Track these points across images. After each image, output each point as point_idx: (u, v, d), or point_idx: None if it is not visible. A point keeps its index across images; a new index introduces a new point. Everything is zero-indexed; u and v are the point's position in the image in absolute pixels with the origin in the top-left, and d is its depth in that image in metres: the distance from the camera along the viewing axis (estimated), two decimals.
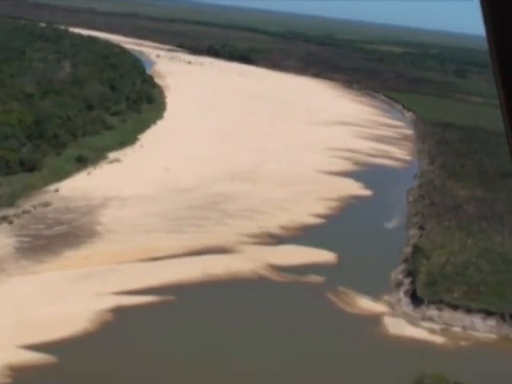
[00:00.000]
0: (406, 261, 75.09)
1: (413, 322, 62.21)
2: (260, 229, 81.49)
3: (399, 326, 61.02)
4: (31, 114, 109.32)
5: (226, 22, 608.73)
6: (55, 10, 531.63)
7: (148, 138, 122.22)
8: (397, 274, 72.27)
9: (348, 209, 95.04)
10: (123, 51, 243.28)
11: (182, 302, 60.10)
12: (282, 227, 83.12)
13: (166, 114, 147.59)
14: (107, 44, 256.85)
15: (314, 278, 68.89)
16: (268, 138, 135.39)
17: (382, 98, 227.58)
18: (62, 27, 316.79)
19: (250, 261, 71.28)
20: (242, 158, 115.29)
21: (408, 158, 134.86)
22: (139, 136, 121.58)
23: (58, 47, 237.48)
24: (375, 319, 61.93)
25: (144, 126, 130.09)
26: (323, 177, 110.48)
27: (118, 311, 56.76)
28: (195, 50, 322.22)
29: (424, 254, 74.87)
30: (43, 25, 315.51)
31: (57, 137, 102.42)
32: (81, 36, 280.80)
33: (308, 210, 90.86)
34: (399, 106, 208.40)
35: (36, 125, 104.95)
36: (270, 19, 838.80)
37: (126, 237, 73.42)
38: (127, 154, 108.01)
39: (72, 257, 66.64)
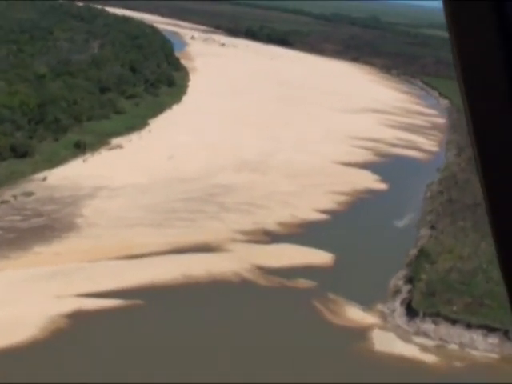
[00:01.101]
0: (409, 265, 68.78)
1: (404, 336, 56.17)
2: (256, 225, 75.98)
3: (388, 342, 55.05)
4: (36, 96, 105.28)
5: (270, 3, 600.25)
6: None
7: (159, 123, 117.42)
8: (397, 279, 66.12)
9: (358, 204, 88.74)
10: (154, 32, 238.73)
11: (148, 307, 55.09)
12: (281, 223, 77.44)
13: (184, 98, 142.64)
14: (140, 25, 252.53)
15: (303, 283, 63.19)
16: (289, 125, 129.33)
17: (420, 84, 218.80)
18: (99, 7, 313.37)
19: (236, 261, 65.92)
20: (257, 146, 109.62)
21: (435, 149, 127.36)
22: (150, 121, 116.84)
23: (90, 27, 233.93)
24: (362, 333, 56.01)
25: (158, 110, 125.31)
26: (339, 168, 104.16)
27: (75, 317, 52.04)
28: (233, 32, 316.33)
29: (429, 258, 68.48)
30: (80, 4, 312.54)
31: (57, 121, 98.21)
32: (115, 16, 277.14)
33: (313, 205, 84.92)
34: (435, 93, 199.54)
35: (39, 108, 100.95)
36: (316, 1, 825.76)
37: (106, 231, 68.71)
38: (132, 140, 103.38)
39: (41, 253, 62.21)
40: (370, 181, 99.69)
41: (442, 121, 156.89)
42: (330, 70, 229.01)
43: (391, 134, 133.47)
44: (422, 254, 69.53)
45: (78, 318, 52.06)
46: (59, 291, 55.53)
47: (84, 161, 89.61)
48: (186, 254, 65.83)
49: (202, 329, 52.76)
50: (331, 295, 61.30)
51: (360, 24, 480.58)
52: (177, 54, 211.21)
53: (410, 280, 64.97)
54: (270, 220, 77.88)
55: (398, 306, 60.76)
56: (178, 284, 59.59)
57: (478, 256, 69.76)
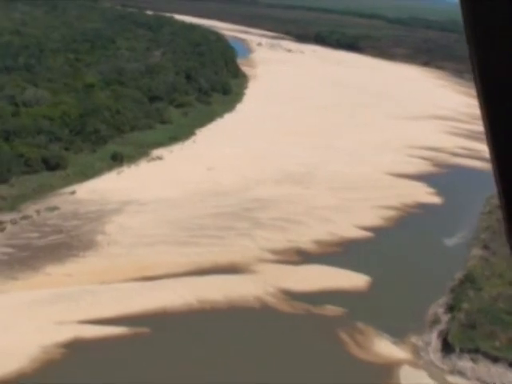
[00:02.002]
0: (453, 290, 62.15)
1: (437, 375, 49.90)
2: (289, 243, 70.82)
3: (418, 381, 48.89)
4: (79, 106, 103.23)
5: (345, 7, 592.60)
6: None
7: (206, 132, 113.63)
8: (437, 307, 59.67)
9: (407, 220, 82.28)
10: (218, 39, 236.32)
11: (155, 336, 50.79)
12: (317, 242, 71.99)
13: (238, 107, 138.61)
14: (205, 32, 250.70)
15: (331, 310, 57.67)
16: (344, 133, 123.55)
17: None
18: (168, 15, 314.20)
19: (260, 284, 60.97)
20: (305, 156, 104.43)
21: None
22: (197, 130, 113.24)
23: (155, 35, 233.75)
24: (389, 370, 50.07)
25: (207, 119, 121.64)
26: (390, 180, 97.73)
27: (70, 347, 48.21)
28: (302, 38, 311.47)
29: (475, 283, 61.79)
30: (149, 13, 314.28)
31: (97, 132, 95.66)
32: (183, 24, 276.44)
33: (356, 221, 79.07)
34: None
35: (80, 118, 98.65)
36: (392, 4, 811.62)
37: (125, 250, 64.92)
38: (173, 151, 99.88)
39: (52, 273, 58.87)
40: (424, 194, 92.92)
41: None
42: (398, 75, 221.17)
43: (453, 143, 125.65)
44: (468, 278, 62.78)
45: (73, 348, 48.20)
46: (60, 317, 51.88)
47: (118, 173, 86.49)
48: (207, 276, 61.31)
49: (207, 364, 48.01)
50: (360, 325, 55.54)
51: (437, 27, 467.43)
52: (240, 60, 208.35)
53: (451, 308, 58.42)
54: (306, 238, 72.55)
55: (434, 338, 54.44)
56: (190, 310, 55.09)
57: None
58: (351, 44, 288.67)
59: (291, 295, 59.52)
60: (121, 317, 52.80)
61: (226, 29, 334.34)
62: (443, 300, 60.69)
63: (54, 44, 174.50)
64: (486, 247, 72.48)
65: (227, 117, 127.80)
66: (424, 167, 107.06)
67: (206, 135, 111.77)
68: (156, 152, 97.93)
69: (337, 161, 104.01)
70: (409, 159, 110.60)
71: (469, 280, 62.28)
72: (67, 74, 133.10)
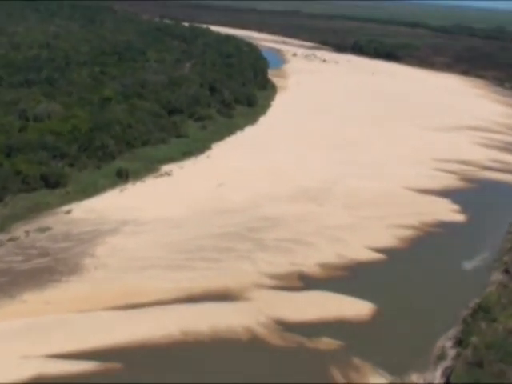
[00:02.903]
0: (464, 322, 56.63)
1: None
2: (292, 267, 66.10)
3: None
4: (90, 121, 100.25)
5: (387, 17, 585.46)
6: (214, 11, 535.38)
7: (223, 146, 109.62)
8: (445, 341, 54.25)
9: (424, 240, 76.72)
10: (251, 50, 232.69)
11: (124, 373, 46.64)
12: (322, 265, 67.11)
13: (261, 119, 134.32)
14: (239, 43, 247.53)
15: (327, 343, 52.83)
16: (369, 146, 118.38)
17: None
18: (204, 27, 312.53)
19: (253, 313, 56.41)
20: (323, 171, 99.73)
21: None
22: (213, 144, 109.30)
23: (188, 47, 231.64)
24: None
25: (226, 132, 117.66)
26: (412, 196, 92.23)
27: None
28: (339, 47, 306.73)
29: (489, 312, 56.34)
30: (185, 25, 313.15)
31: (104, 147, 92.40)
32: (218, 35, 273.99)
33: (369, 242, 73.95)
34: None
35: (90, 133, 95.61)
36: (437, 13, 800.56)
37: (112, 275, 61.03)
38: (184, 167, 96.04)
39: (29, 301, 55.27)
40: (446, 211, 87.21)
41: None
42: (434, 84, 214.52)
43: (485, 155, 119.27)
44: (482, 307, 57.24)
45: None
46: (28, 350, 48.17)
47: (121, 191, 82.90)
48: (195, 304, 57.02)
49: None
50: (356, 360, 50.56)
51: (481, 35, 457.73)
52: (272, 71, 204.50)
53: (460, 342, 52.98)
54: (311, 261, 67.73)
55: (437, 377, 49.12)
56: (170, 343, 50.81)
57: None
58: (389, 53, 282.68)
59: (285, 326, 54.84)
60: (93, 350, 48.86)
61: (264, 39, 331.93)
62: (453, 332, 55.25)
63: (82, 57, 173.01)
64: (506, 271, 66.72)
65: (248, 130, 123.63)
66: (450, 182, 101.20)
67: (223, 149, 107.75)
68: (166, 168, 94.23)
69: (358, 175, 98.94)
70: (435, 173, 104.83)
71: (482, 309, 56.79)
72: (88, 88, 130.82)
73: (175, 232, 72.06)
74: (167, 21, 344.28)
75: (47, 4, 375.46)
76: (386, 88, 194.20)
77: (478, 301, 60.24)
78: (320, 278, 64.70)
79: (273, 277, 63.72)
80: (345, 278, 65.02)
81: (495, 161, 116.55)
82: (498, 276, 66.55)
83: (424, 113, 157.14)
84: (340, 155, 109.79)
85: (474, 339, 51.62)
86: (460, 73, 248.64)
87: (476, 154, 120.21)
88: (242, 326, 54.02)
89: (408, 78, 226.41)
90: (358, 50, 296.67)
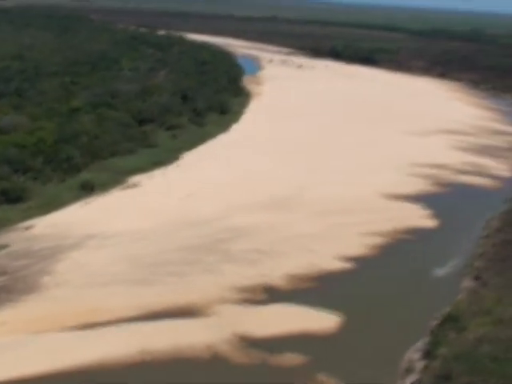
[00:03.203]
0: (432, 332, 55.22)
1: None
2: (259, 278, 64.52)
3: None
4: (57, 132, 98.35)
5: (365, 21, 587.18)
6: (191, 18, 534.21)
7: (193, 156, 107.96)
8: (413, 353, 52.80)
9: (396, 247, 75.48)
10: (225, 57, 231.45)
11: None
12: (291, 276, 65.56)
13: (234, 127, 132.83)
14: (215, 50, 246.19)
15: (291, 358, 51.13)
16: (343, 152, 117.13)
17: (509, 99, 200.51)
18: (180, 34, 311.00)
19: (216, 329, 54.64)
20: (296, 178, 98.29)
21: (507, 174, 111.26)
22: (184, 154, 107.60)
23: (163, 55, 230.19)
24: None
25: (198, 141, 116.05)
26: (385, 203, 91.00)
27: None
28: (316, 53, 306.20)
29: (459, 321, 54.93)
30: (161, 33, 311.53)
31: (70, 159, 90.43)
32: (193, 43, 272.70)
33: (339, 251, 72.52)
34: None
35: (55, 145, 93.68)
36: (416, 17, 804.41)
37: (73, 292, 59.08)
38: (153, 177, 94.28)
39: None
40: (418, 217, 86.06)
41: None
42: (411, 88, 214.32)
43: (460, 159, 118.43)
44: (451, 316, 55.88)
45: None
46: None
47: (86, 204, 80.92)
48: (158, 321, 55.19)
49: None
50: (321, 376, 48.92)
51: (459, 38, 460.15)
52: (247, 78, 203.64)
53: (428, 354, 51.56)
54: (279, 272, 66.18)
55: None
56: (128, 363, 48.89)
57: None
58: (366, 57, 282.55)
59: (249, 341, 53.15)
60: (45, 374, 46.86)
61: (241, 46, 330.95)
62: (421, 343, 53.82)
63: (53, 67, 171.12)
64: (477, 278, 65.44)
65: (220, 138, 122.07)
66: (424, 187, 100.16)
67: (193, 158, 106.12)
68: (133, 179, 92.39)
69: (330, 182, 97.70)
70: (408, 178, 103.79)
71: (452, 318, 55.43)
72: (58, 98, 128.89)
73: (141, 245, 70.29)
74: (143, 29, 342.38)
75: (22, 15, 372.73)
76: (362, 93, 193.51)
77: (447, 309, 58.85)
78: (287, 289, 63.14)
79: (239, 290, 62.08)
80: (313, 290, 63.50)
81: (470, 164, 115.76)
82: (468, 282, 65.31)
83: (399, 117, 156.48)
84: (313, 162, 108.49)
85: (442, 350, 50.19)
86: (436, 76, 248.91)
87: (450, 157, 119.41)
88: (205, 344, 52.26)
89: (384, 82, 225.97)
90: (336, 54, 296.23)
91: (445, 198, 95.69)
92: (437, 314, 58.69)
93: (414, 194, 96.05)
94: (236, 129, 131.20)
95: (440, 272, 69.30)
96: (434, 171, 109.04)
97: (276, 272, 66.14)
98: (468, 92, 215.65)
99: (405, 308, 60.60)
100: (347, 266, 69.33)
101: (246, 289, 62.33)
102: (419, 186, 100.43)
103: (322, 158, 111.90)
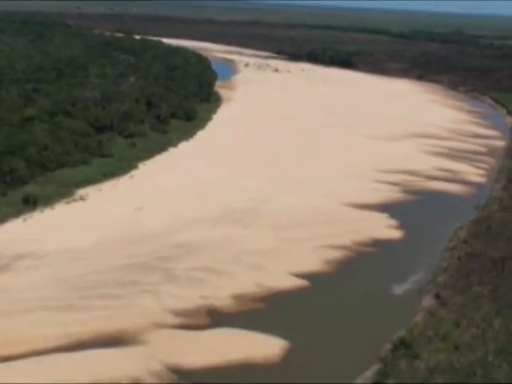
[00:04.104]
0: (383, 360, 50.21)
1: None
2: (201, 300, 59.36)
3: None
4: (3, 143, 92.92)
5: (347, 24, 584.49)
6: (171, 22, 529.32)
7: (150, 165, 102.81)
8: (363, 382, 47.78)
9: (355, 262, 70.58)
10: (200, 62, 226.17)
11: None
12: (237, 297, 60.50)
13: (199, 134, 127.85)
14: (188, 55, 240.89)
15: None
16: (309, 159, 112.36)
17: (488, 101, 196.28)
18: (156, 39, 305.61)
19: (145, 359, 49.47)
20: (256, 188, 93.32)
21: (481, 180, 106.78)
22: (140, 163, 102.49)
23: (137, 60, 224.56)
24: None
25: (157, 149, 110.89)
26: (347, 213, 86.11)
27: None
28: (294, 56, 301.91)
29: (411, 348, 50.02)
30: (136, 38, 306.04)
31: (13, 171, 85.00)
32: (168, 48, 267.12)
33: (292, 267, 67.54)
34: (504, 111, 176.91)
35: (0, 157, 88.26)
36: (398, 19, 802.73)
37: None
38: (102, 189, 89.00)
39: None
40: (382, 227, 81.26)
41: (500, 144, 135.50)
42: (387, 91, 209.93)
43: (432, 164, 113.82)
44: (404, 342, 50.91)
45: None
46: None
47: (24, 220, 75.49)
48: (80, 352, 49.94)
49: None
50: None
51: (439, 39, 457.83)
52: (220, 83, 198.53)
53: None
54: (224, 292, 61.06)
55: None
56: None
57: (484, 341, 50.75)
58: (344, 60, 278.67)
59: (180, 373, 48.10)
60: None
61: (219, 50, 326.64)
62: (370, 373, 48.83)
63: (16, 74, 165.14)
64: (437, 296, 60.53)
65: (182, 146, 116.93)
66: (391, 195, 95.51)
67: (150, 168, 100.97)
68: (82, 191, 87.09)
69: (291, 192, 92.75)
70: (376, 186, 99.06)
71: (404, 344, 50.50)
72: (15, 107, 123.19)
73: (76, 265, 64.96)
74: (119, 34, 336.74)
75: None
76: (336, 97, 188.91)
77: (402, 333, 53.89)
78: (232, 312, 58.10)
79: (178, 313, 56.91)
80: (259, 311, 58.53)
81: (441, 169, 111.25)
82: (428, 301, 60.43)
83: (372, 121, 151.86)
84: (275, 171, 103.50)
85: (390, 382, 45.18)
86: (415, 78, 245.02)
87: (422, 162, 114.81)
88: (130, 377, 47.08)
89: (360, 85, 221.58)
90: (314, 58, 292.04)
91: (412, 207, 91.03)
92: (390, 339, 53.73)
93: (379, 202, 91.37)
94: (200, 136, 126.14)
95: (399, 289, 64.40)
96: (403, 178, 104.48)
97: (221, 293, 61.03)
98: (446, 94, 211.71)
99: (357, 331, 55.65)
100: (299, 283, 64.41)
101: (185, 312, 57.20)
102: (386, 193, 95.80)
103: (287, 166, 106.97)
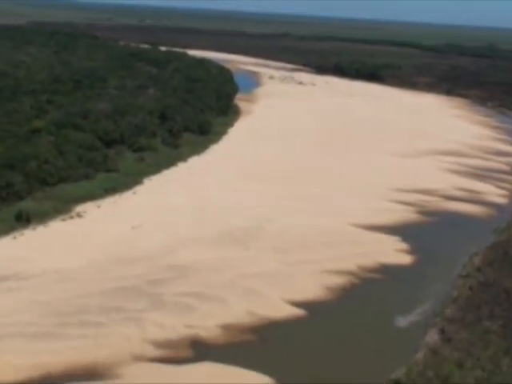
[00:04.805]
0: None
1: None
2: (187, 330, 55.46)
3: None
4: (3, 156, 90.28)
5: (379, 37, 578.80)
6: (201, 35, 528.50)
7: (156, 181, 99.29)
8: None
9: (359, 289, 66.19)
10: (221, 73, 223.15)
11: None
12: (226, 327, 56.47)
13: (211, 148, 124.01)
14: (211, 67, 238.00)
15: None
16: (322, 176, 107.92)
17: None
18: (181, 51, 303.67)
19: None
20: (262, 206, 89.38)
21: (502, 201, 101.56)
22: (146, 179, 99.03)
23: (160, 72, 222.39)
24: None
25: (166, 164, 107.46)
26: (356, 234, 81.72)
27: None
28: (321, 69, 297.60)
29: None
30: (162, 49, 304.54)
31: (10, 186, 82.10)
32: (192, 59, 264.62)
33: (290, 294, 63.42)
34: None
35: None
36: (431, 32, 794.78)
37: None
38: (102, 206, 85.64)
39: None
40: (392, 251, 76.70)
41: None
42: (413, 105, 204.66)
43: (451, 183, 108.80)
44: None
45: None
46: None
47: (14, 238, 72.31)
48: None
49: None
50: None
51: (471, 53, 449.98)
52: (242, 95, 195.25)
53: None
54: (213, 321, 57.09)
55: None
56: None
57: None
58: (371, 74, 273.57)
59: None
60: None
61: (246, 62, 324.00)
62: None
63: (34, 85, 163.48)
64: (442, 331, 55.81)
65: (192, 161, 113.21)
66: (405, 215, 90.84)
67: (155, 184, 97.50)
68: (80, 208, 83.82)
69: (298, 210, 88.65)
70: (389, 205, 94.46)
71: None
72: (25, 118, 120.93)
73: (60, 288, 61.47)
74: (146, 46, 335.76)
75: (26, 32, 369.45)
76: (359, 111, 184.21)
77: (399, 373, 49.34)
78: (218, 344, 54.08)
79: (159, 345, 53.05)
80: (249, 344, 54.45)
81: (461, 189, 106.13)
82: (432, 336, 55.72)
83: (393, 137, 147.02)
84: (285, 188, 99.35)
85: None
86: (443, 92, 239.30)
87: (441, 181, 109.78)
88: None
89: (385, 99, 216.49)
90: (340, 71, 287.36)
91: (427, 229, 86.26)
92: (386, 379, 49.20)
93: (392, 224, 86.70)
94: (213, 151, 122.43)
95: (403, 321, 59.80)
96: (419, 197, 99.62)
97: (209, 321, 57.06)
98: (473, 109, 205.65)
99: (353, 370, 51.20)
100: (296, 313, 60.24)
101: (167, 343, 53.32)
102: (400, 214, 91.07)
103: (298, 183, 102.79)
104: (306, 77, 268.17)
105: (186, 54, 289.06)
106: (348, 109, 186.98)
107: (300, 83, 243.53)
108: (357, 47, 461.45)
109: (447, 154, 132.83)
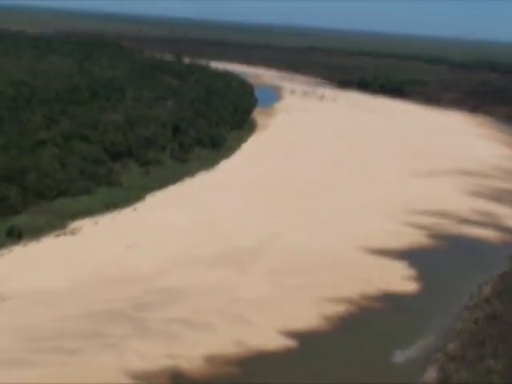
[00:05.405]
0: None
1: None
2: (168, 361, 52.13)
3: None
4: (6, 168, 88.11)
5: (407, 52, 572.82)
6: (228, 47, 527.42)
7: (159, 197, 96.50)
8: None
9: (358, 320, 62.37)
10: (241, 86, 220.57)
11: None
12: (210, 358, 53.11)
13: (221, 164, 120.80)
14: (232, 79, 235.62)
15: None
16: (333, 195, 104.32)
17: None
18: (204, 63, 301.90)
19: None
20: (264, 226, 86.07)
21: None
22: (150, 194, 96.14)
23: (179, 84, 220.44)
24: None
25: (172, 179, 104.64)
26: (361, 259, 77.94)
27: None
28: (344, 84, 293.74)
29: None
30: (185, 62, 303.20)
31: (4, 200, 79.73)
32: (214, 72, 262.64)
33: (282, 322, 59.88)
34: None
35: None
36: (462, 48, 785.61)
37: None
38: (99, 222, 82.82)
39: None
40: (398, 278, 72.78)
41: None
42: (435, 123, 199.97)
43: (468, 205, 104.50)
44: None
45: None
46: None
47: (1, 255, 69.64)
48: None
49: None
50: None
51: (501, 69, 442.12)
52: (261, 109, 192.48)
53: None
54: (197, 351, 53.77)
55: None
56: None
57: None
58: (396, 89, 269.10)
59: None
60: None
61: (270, 76, 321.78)
62: None
63: (50, 94, 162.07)
64: (443, 368, 51.84)
65: (200, 177, 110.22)
66: (416, 239, 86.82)
67: (157, 200, 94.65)
68: (76, 224, 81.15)
69: (303, 230, 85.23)
70: (400, 228, 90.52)
71: None
72: (34, 129, 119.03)
73: (40, 310, 58.63)
74: (170, 57, 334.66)
75: (52, 41, 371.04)
76: (379, 128, 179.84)
77: None
78: (200, 377, 50.73)
79: (137, 376, 49.91)
80: (233, 378, 50.88)
81: (478, 212, 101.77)
82: (430, 374, 51.82)
83: (413, 156, 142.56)
84: (293, 206, 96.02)
85: None
86: (468, 110, 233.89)
87: (458, 203, 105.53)
88: None
89: (407, 116, 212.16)
90: (363, 86, 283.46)
91: (437, 255, 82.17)
92: None
93: (400, 248, 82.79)
94: (222, 166, 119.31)
95: (401, 356, 55.90)
96: (433, 220, 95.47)
97: (193, 351, 53.79)
98: (499, 127, 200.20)
99: None
100: (287, 344, 56.68)
101: (146, 375, 50.20)
102: (410, 237, 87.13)
103: (307, 201, 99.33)
104: (328, 92, 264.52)
105: (208, 67, 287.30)
106: (368, 126, 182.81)
107: (321, 98, 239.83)
108: (384, 62, 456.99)
109: (467, 174, 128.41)
